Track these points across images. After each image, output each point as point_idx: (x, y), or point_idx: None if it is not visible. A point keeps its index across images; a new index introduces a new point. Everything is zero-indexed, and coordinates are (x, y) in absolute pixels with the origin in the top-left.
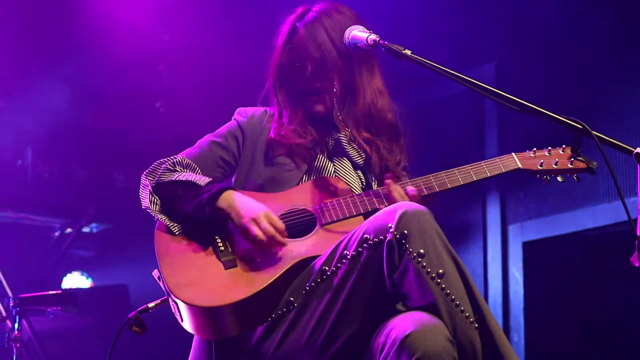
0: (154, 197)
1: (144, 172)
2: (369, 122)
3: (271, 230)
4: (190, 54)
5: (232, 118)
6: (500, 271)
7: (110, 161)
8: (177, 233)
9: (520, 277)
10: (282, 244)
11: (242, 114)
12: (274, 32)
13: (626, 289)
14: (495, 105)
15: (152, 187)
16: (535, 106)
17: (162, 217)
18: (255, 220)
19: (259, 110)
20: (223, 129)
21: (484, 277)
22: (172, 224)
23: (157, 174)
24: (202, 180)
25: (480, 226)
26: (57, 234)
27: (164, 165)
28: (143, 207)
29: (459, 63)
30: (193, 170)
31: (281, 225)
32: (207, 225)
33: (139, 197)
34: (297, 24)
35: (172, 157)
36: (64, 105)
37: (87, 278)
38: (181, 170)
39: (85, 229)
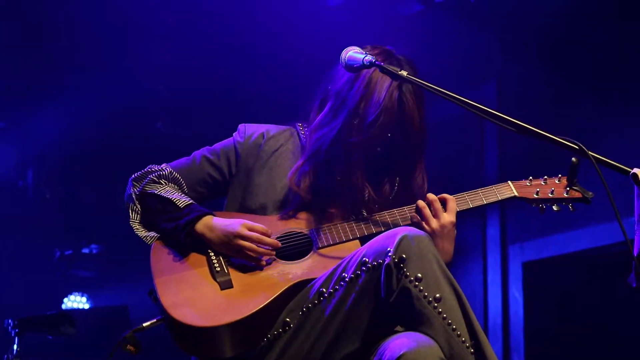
0: (136, 206)
1: (132, 176)
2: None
3: (256, 235)
4: (191, 71)
5: (232, 135)
6: (500, 291)
7: (110, 181)
8: (149, 243)
9: (520, 298)
10: (274, 244)
11: (242, 133)
12: (275, 46)
13: (627, 309)
14: (495, 126)
15: (135, 194)
16: (530, 127)
17: (135, 226)
18: (238, 235)
19: (258, 130)
20: (219, 145)
21: (484, 298)
22: (146, 234)
23: (142, 182)
24: (182, 201)
25: (480, 246)
26: (57, 255)
27: (150, 177)
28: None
29: (460, 82)
30: (179, 185)
31: (263, 227)
32: (201, 244)
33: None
34: (408, 87)
35: (161, 167)
36: (65, 126)
37: (87, 300)
38: (165, 184)
39: (85, 250)
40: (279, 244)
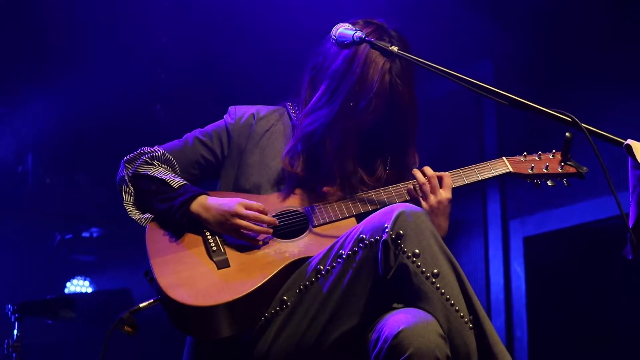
0: (129, 188)
1: (125, 158)
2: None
3: (253, 214)
4: (189, 54)
5: (223, 117)
6: (501, 267)
7: (110, 165)
8: (144, 225)
9: (522, 272)
10: (271, 222)
11: (232, 114)
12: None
13: (630, 282)
14: (493, 103)
15: (128, 176)
16: (523, 100)
17: (129, 209)
18: (235, 214)
19: (248, 111)
20: (211, 127)
21: (486, 274)
22: (140, 217)
23: (135, 164)
24: (176, 181)
25: (481, 222)
26: (58, 239)
27: (143, 158)
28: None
29: (456, 61)
30: (172, 166)
31: (259, 205)
32: (197, 224)
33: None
34: (398, 64)
35: (153, 149)
36: (64, 110)
37: (89, 284)
38: (158, 166)
39: (85, 234)
40: (277, 222)
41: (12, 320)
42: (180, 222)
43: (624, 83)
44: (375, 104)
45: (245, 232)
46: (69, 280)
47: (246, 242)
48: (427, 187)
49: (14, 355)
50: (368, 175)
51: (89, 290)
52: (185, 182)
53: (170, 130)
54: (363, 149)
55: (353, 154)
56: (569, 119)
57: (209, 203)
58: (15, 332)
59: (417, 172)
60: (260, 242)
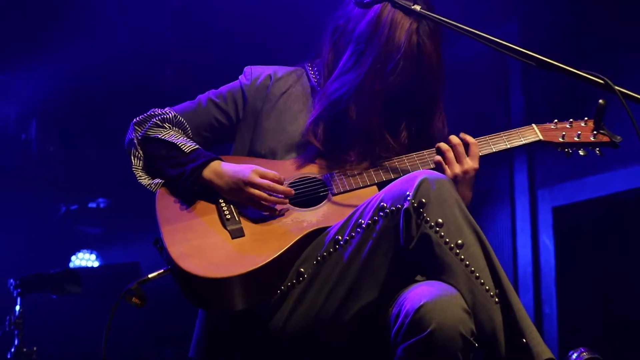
0: (138, 152)
1: (134, 120)
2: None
3: (267, 183)
4: (199, 12)
5: (238, 78)
6: (529, 239)
7: (118, 131)
8: (154, 191)
9: (551, 245)
10: (287, 192)
11: (247, 75)
12: None
13: None
14: (520, 66)
15: (137, 139)
16: (553, 61)
17: (138, 174)
18: (248, 183)
19: (265, 72)
20: (225, 88)
21: (513, 246)
22: (150, 182)
23: (145, 126)
24: (188, 145)
25: (508, 192)
26: (63, 210)
27: (153, 120)
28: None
29: (481, 22)
30: (184, 129)
31: (275, 174)
32: (210, 191)
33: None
34: (425, 25)
35: (164, 110)
36: (69, 75)
37: (96, 257)
38: (169, 128)
39: (92, 205)
40: (292, 191)
41: (15, 295)
42: (192, 190)
43: None
44: (402, 65)
45: (260, 201)
46: (74, 254)
47: (262, 211)
48: (452, 155)
49: (15, 332)
50: (394, 140)
51: (96, 264)
52: (197, 146)
53: (181, 94)
54: (389, 113)
55: (380, 119)
56: (601, 81)
57: (222, 169)
58: (17, 307)
59: (441, 143)
60: (277, 212)
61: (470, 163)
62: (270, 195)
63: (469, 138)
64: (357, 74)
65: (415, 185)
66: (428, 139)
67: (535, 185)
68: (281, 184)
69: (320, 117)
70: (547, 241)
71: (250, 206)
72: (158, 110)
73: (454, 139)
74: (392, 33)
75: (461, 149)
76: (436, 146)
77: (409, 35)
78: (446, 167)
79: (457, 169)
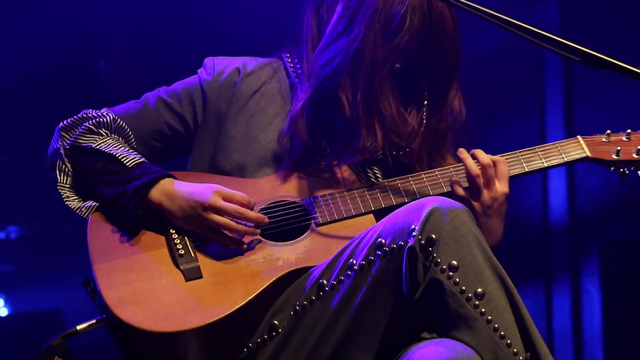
0: (65, 165)
1: (61, 125)
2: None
3: (234, 207)
4: None
5: (197, 72)
6: (568, 285)
7: (36, 138)
8: (86, 216)
9: (597, 293)
10: (259, 220)
11: (209, 68)
12: None
13: None
14: (559, 59)
15: (64, 149)
16: (602, 55)
17: (65, 193)
18: (209, 207)
19: (231, 64)
20: (180, 84)
21: (547, 295)
22: (80, 205)
23: (75, 132)
24: (131, 158)
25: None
26: None
27: (85, 124)
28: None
29: (511, 2)
30: (125, 137)
31: (244, 196)
32: (158, 218)
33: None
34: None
35: (101, 112)
36: None
37: (4, 304)
38: (106, 135)
39: (0, 235)
40: (266, 219)
41: None
42: (135, 215)
43: None
44: (410, 22)
45: (223, 231)
46: None
47: (225, 245)
48: (482, 181)
49: None
50: (403, 125)
51: (4, 312)
52: (143, 159)
53: (120, 92)
54: (396, 90)
55: (391, 96)
56: None
57: (175, 189)
58: None
59: (466, 157)
60: (245, 246)
61: (500, 187)
62: (238, 223)
63: (495, 157)
64: (351, 37)
65: (423, 217)
66: (443, 121)
67: (576, 214)
68: (251, 209)
69: (311, 100)
70: (591, 288)
71: (211, 238)
72: (92, 112)
73: (482, 156)
74: None
75: (491, 171)
76: (451, 168)
77: None
78: (471, 194)
79: (485, 196)
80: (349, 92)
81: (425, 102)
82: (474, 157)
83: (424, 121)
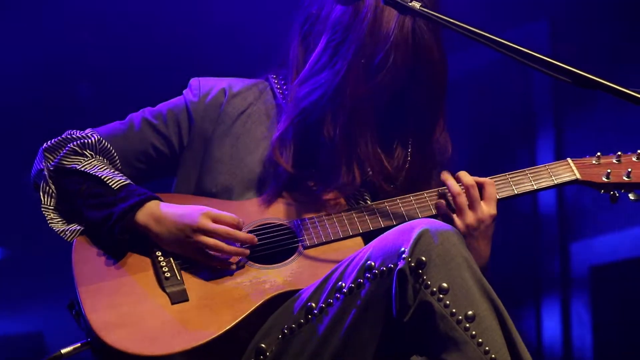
0: (49, 187)
1: (44, 145)
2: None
3: (223, 229)
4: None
5: (182, 93)
6: (558, 308)
7: (16, 160)
8: (70, 240)
9: (587, 317)
10: (249, 240)
11: (194, 89)
12: None
13: None
14: (549, 80)
15: (48, 171)
16: (593, 77)
17: (50, 216)
18: (198, 229)
19: (217, 85)
20: (165, 105)
21: (536, 317)
22: (64, 228)
23: (59, 154)
24: (116, 180)
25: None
26: None
27: (70, 146)
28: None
29: (504, 20)
30: (110, 158)
31: (233, 217)
32: (144, 241)
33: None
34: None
35: (85, 133)
36: None
37: None
38: (91, 157)
39: None
40: (255, 239)
41: None
42: (121, 239)
43: None
44: (394, 59)
45: (211, 253)
46: None
47: (212, 268)
48: (464, 200)
49: None
50: (387, 160)
51: None
52: (128, 181)
53: (102, 113)
54: (379, 125)
55: (371, 133)
56: None
57: (162, 212)
58: None
59: (448, 178)
60: (233, 267)
61: (486, 209)
62: (226, 244)
63: (482, 179)
64: (334, 71)
65: (412, 239)
66: (428, 159)
67: (567, 237)
68: (240, 229)
69: (288, 131)
70: (581, 311)
71: (199, 260)
72: (76, 133)
73: (465, 177)
74: (379, 17)
75: (475, 191)
76: (439, 191)
77: (401, 21)
78: (455, 216)
79: (470, 217)
80: (330, 126)
81: (410, 140)
82: (458, 179)
83: (409, 158)
